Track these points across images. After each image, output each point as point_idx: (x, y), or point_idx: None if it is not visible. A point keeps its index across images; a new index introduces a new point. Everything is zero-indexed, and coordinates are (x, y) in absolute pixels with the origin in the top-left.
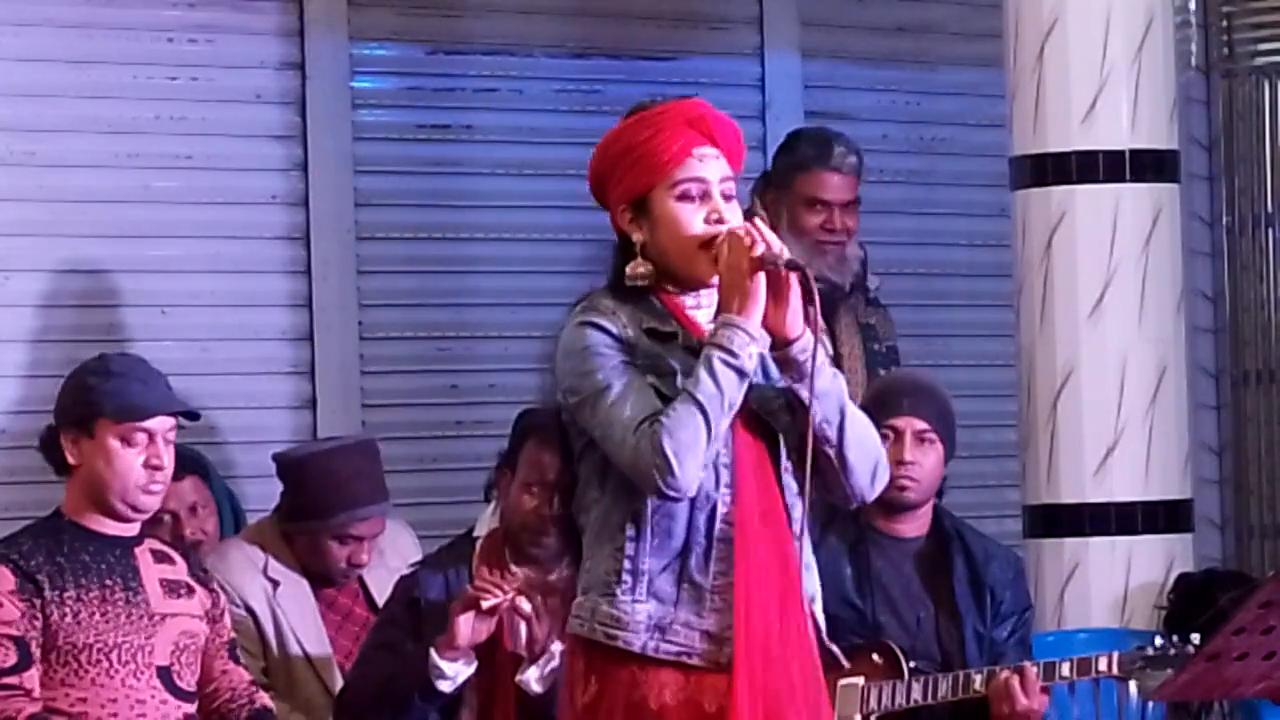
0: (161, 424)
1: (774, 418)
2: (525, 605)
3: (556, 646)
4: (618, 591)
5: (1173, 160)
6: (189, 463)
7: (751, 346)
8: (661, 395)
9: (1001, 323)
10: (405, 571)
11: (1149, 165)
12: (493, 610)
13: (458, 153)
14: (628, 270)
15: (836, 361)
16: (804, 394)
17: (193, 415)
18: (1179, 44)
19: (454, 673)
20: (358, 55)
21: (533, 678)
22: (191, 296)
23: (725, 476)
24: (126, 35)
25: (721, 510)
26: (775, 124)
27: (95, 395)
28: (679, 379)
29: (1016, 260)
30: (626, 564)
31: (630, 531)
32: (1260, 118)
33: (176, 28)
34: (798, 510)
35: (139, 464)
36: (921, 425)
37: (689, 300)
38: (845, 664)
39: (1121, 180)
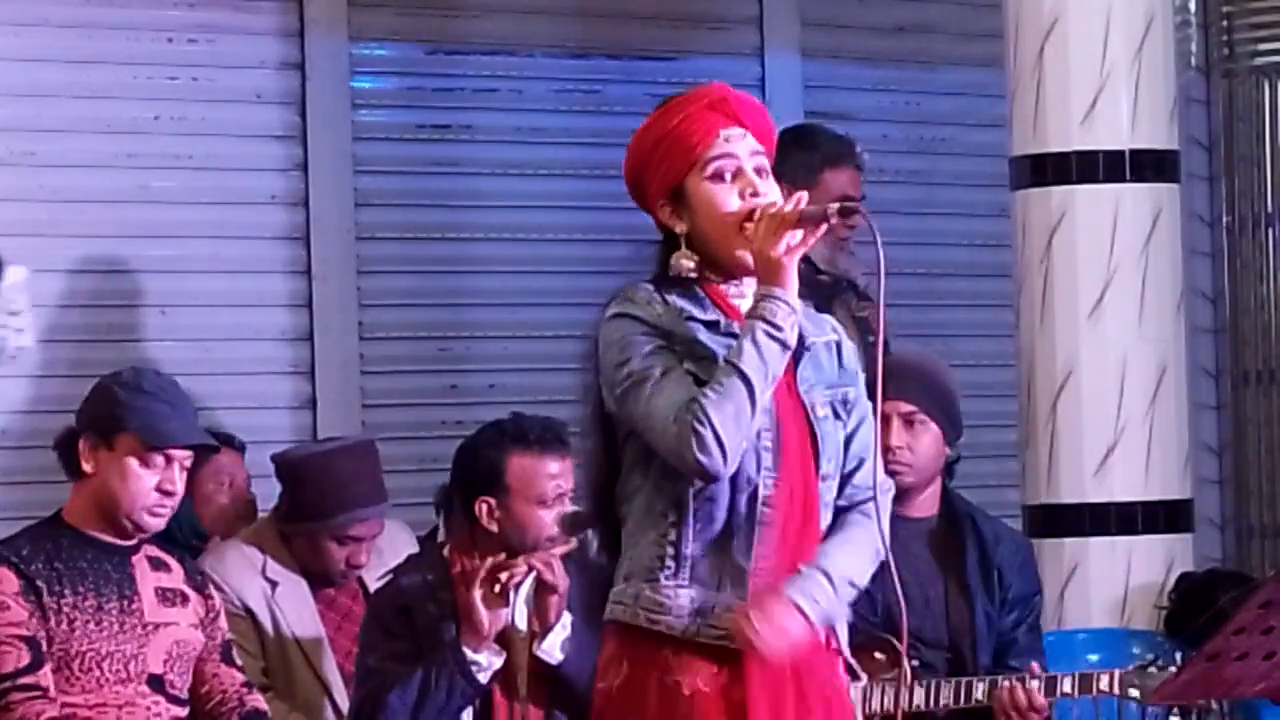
0: (183, 453)
1: (819, 424)
2: (550, 573)
3: (567, 617)
4: (661, 577)
5: (1173, 160)
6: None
7: (792, 318)
8: (700, 381)
9: (1001, 323)
10: (380, 583)
11: (1149, 165)
12: (508, 585)
13: (458, 153)
14: (673, 261)
15: None
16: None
17: (213, 449)
18: (1179, 44)
19: (489, 662)
20: (358, 55)
21: (553, 647)
22: (191, 296)
23: (766, 459)
24: (126, 35)
25: (763, 493)
26: (775, 124)
27: (123, 409)
28: (718, 364)
29: (1016, 260)
30: (670, 550)
31: (673, 517)
32: (1260, 118)
33: (176, 28)
34: (824, 519)
35: (152, 486)
36: (908, 408)
37: (733, 289)
38: (861, 677)
39: (1121, 180)
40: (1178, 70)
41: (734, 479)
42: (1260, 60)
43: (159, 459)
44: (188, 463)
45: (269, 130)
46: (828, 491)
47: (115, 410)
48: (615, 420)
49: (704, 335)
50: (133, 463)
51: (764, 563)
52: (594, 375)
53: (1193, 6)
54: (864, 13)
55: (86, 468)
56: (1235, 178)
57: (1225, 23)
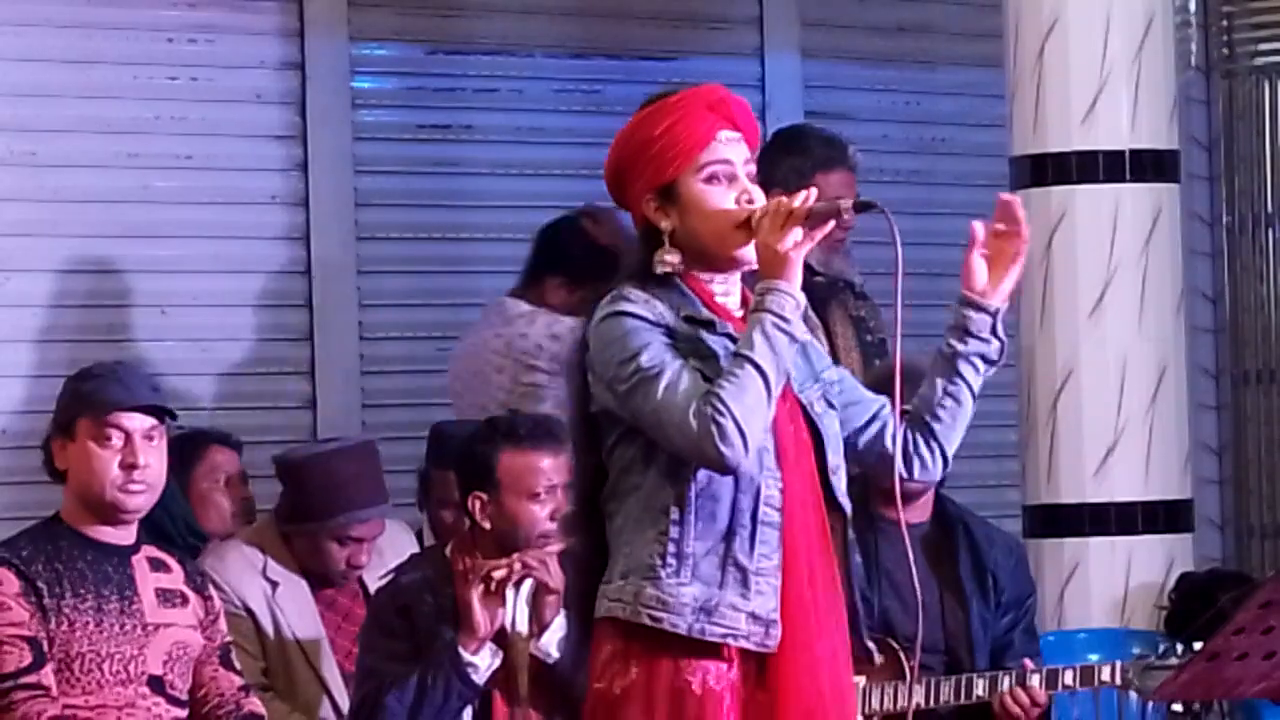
0: (137, 423)
1: (819, 420)
2: (545, 572)
3: (563, 615)
4: (662, 574)
5: (1173, 160)
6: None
7: (798, 311)
8: (706, 378)
9: None
10: (381, 583)
11: (1149, 165)
12: (502, 584)
13: (458, 153)
14: (656, 257)
15: (833, 353)
16: None
17: (170, 414)
18: (1179, 44)
19: (484, 663)
20: (358, 55)
21: (550, 644)
22: (191, 296)
23: (767, 459)
24: (126, 35)
25: (765, 493)
26: (775, 124)
27: (75, 398)
28: (721, 362)
29: None
30: (671, 547)
31: (674, 514)
32: (1260, 118)
33: (176, 28)
34: (846, 507)
35: (115, 463)
36: None
37: (717, 287)
38: (876, 660)
39: (1121, 180)
40: (1178, 70)
41: (736, 478)
42: (1260, 60)
43: (114, 434)
44: (153, 434)
45: (269, 130)
46: (840, 483)
47: (70, 402)
48: (603, 421)
49: (703, 334)
50: (91, 445)
51: (766, 563)
52: (580, 378)
53: (1193, 6)
54: (864, 13)
55: (60, 467)
56: (1235, 178)
57: (1225, 23)
